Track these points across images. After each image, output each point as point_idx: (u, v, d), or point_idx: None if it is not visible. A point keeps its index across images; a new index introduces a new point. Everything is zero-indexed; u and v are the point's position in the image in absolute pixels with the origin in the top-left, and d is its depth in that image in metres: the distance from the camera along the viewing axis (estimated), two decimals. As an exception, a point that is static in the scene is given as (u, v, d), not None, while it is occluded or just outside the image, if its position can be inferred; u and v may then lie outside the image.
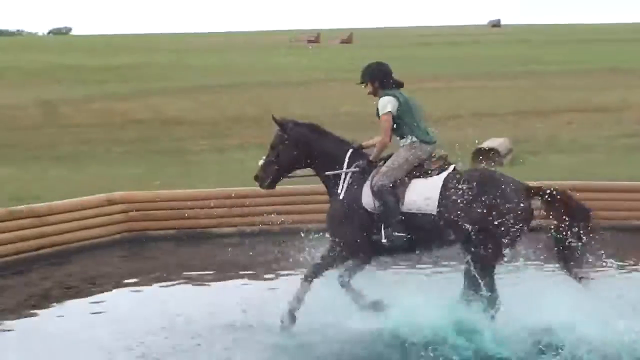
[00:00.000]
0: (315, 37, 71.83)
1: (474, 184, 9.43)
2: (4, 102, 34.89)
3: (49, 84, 42.94)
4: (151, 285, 12.90)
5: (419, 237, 9.55)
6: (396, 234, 9.50)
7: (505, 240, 9.32)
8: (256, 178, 10.20)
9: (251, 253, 13.89)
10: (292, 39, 74.29)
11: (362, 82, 10.09)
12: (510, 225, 9.27)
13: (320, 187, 10.44)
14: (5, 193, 16.80)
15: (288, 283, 10.90)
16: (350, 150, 9.93)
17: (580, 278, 9.46)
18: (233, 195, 16.78)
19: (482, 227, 9.30)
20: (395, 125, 9.73)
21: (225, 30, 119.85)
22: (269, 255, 13.52)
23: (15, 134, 29.19)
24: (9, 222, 14.17)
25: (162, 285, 12.82)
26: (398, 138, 9.83)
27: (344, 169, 9.84)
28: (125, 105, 34.16)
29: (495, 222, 9.26)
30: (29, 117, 32.04)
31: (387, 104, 9.74)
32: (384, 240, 9.53)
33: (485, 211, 9.28)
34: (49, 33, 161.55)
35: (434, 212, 9.40)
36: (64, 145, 28.28)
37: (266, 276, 13.05)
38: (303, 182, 12.51)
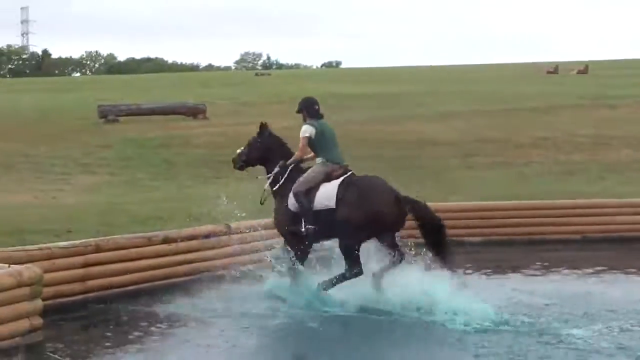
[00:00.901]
0: (554, 69, 70.02)
1: (357, 188, 11.21)
2: (286, 124, 36.06)
3: (321, 109, 44.01)
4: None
5: (328, 227, 11.13)
6: (309, 226, 11.29)
7: (364, 234, 11.05)
8: (233, 161, 12.50)
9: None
10: (535, 70, 72.87)
11: (298, 111, 12.09)
12: (373, 221, 10.97)
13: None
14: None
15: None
16: (292, 166, 11.83)
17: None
18: (481, 208, 16.87)
19: (351, 221, 10.97)
20: (313, 146, 11.68)
21: (478, 62, 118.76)
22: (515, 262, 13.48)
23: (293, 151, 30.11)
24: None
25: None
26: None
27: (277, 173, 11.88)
28: (386, 128, 34.57)
29: (363, 219, 10.93)
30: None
31: (306, 130, 11.73)
32: (302, 230, 11.38)
33: (358, 209, 11.00)
34: (321, 66, 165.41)
35: (334, 206, 11.16)
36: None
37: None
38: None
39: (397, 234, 11.61)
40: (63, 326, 10.79)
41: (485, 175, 25.57)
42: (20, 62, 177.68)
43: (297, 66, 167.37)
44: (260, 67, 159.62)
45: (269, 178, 12.05)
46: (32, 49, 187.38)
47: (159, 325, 11.01)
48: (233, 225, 13.24)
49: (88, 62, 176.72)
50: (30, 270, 9.81)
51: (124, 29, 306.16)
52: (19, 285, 9.58)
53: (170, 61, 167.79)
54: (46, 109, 43.26)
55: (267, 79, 75.95)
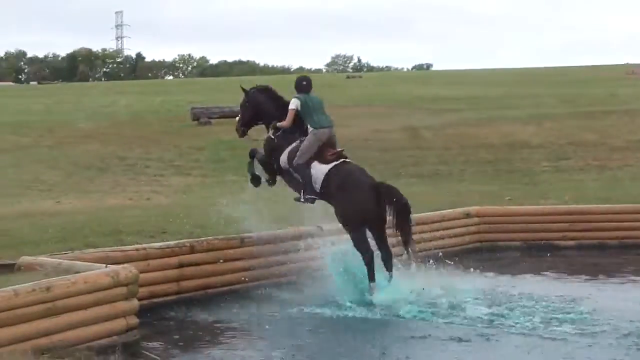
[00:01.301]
0: (632, 71, 68.36)
1: (341, 174, 12.05)
2: (376, 127, 36.08)
3: (412, 112, 43.91)
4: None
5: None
6: (308, 196, 12.34)
7: (350, 213, 11.90)
8: (236, 131, 13.32)
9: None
10: (628, 71, 71.33)
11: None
12: (354, 205, 11.83)
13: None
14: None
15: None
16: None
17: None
18: (574, 211, 16.64)
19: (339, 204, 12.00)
20: (302, 117, 12.51)
21: (572, 64, 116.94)
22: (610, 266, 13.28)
23: (384, 154, 30.11)
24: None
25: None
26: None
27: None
28: (478, 131, 34.31)
29: (341, 214, 11.99)
30: (396, 140, 32.95)
31: (292, 103, 12.61)
32: (302, 200, 12.42)
33: (341, 193, 11.93)
34: (412, 68, 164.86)
35: (318, 189, 12.19)
36: (425, 165, 28.89)
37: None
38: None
39: None
40: (157, 326, 10.97)
41: (577, 178, 25.18)
42: (115, 65, 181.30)
43: (387, 69, 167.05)
44: (351, 70, 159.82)
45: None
46: (126, 52, 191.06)
47: (251, 325, 11.12)
48: (325, 227, 13.28)
49: (181, 65, 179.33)
50: (127, 270, 10.00)
51: (216, 33, 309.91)
52: (116, 285, 9.77)
53: (261, 64, 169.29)
54: (140, 111, 44.07)
55: (358, 82, 75.98)
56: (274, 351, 9.80)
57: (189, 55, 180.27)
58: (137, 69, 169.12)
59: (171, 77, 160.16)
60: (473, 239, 16.57)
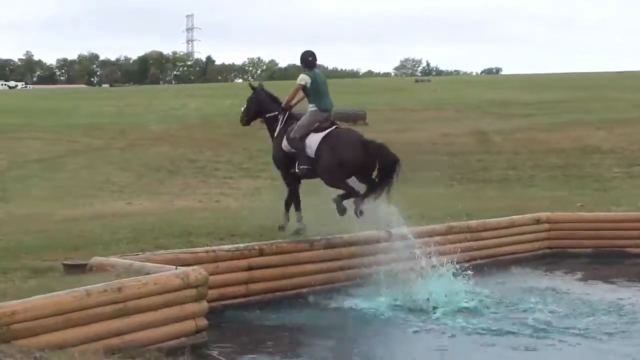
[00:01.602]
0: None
1: (332, 141, 12.81)
2: (445, 130, 35.92)
3: (481, 116, 43.63)
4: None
5: (313, 169, 12.93)
6: (303, 167, 13.06)
7: (341, 170, 12.70)
8: (240, 120, 14.56)
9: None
10: None
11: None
12: (344, 166, 12.65)
13: None
14: (443, 210, 17.27)
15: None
16: (287, 114, 13.59)
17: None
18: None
19: (329, 167, 12.72)
20: (307, 94, 13.24)
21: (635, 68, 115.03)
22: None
23: (453, 158, 29.96)
24: (447, 235, 14.46)
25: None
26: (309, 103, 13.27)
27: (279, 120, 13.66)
28: (549, 136, 33.94)
29: (335, 165, 12.67)
30: (465, 144, 32.77)
31: (302, 78, 13.20)
32: (297, 171, 13.20)
33: (331, 159, 12.68)
34: (481, 72, 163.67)
35: (313, 156, 12.90)
36: (494, 169, 28.65)
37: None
38: None
39: None
40: (226, 328, 11.03)
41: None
42: (185, 68, 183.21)
43: (456, 72, 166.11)
44: (419, 74, 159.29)
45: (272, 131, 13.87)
46: (196, 55, 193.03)
47: (318, 330, 11.13)
48: (394, 231, 13.24)
49: (250, 69, 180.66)
50: (196, 272, 10.06)
51: (285, 36, 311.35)
52: (186, 286, 9.85)
53: (330, 67, 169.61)
54: (210, 114, 44.45)
55: (427, 86, 75.71)
56: (340, 357, 9.78)
57: (259, 58, 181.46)
58: (207, 72, 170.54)
59: (240, 80, 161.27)
60: (543, 245, 16.38)
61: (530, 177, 27.37)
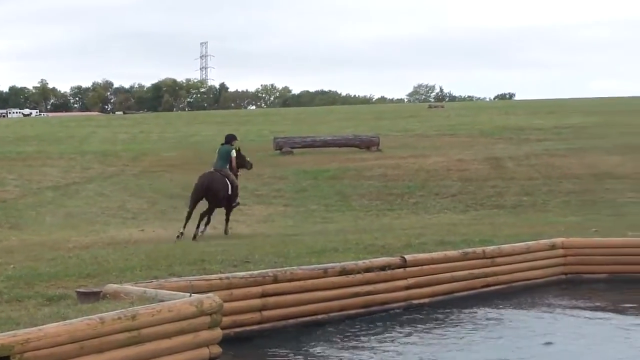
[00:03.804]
0: None
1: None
2: (458, 157, 35.88)
3: (494, 141, 43.59)
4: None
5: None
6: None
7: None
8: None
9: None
10: None
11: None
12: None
13: None
14: (458, 235, 17.23)
15: None
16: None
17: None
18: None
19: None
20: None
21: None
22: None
23: (466, 185, 29.91)
24: (462, 262, 14.49)
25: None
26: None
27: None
28: (563, 161, 33.87)
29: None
30: (479, 170, 32.71)
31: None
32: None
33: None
34: (495, 98, 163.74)
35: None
36: (508, 195, 28.57)
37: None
38: None
39: None
40: (240, 356, 10.98)
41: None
42: (199, 95, 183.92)
43: (470, 98, 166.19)
44: (432, 99, 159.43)
45: None
46: (210, 82, 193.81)
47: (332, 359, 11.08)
48: (408, 257, 13.20)
49: (263, 95, 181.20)
50: (210, 299, 10.05)
51: (299, 63, 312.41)
52: (200, 314, 9.83)
53: (343, 94, 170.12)
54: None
55: (440, 112, 75.70)
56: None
57: (272, 85, 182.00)
58: (221, 98, 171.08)
59: (254, 107, 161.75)
60: (557, 271, 16.27)
61: (545, 203, 27.26)
